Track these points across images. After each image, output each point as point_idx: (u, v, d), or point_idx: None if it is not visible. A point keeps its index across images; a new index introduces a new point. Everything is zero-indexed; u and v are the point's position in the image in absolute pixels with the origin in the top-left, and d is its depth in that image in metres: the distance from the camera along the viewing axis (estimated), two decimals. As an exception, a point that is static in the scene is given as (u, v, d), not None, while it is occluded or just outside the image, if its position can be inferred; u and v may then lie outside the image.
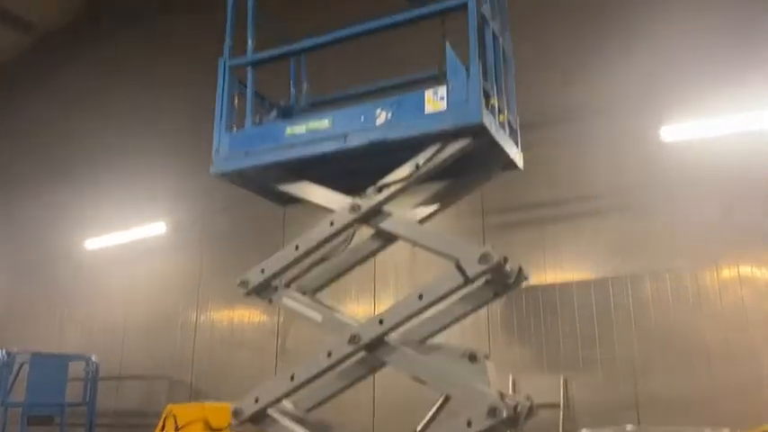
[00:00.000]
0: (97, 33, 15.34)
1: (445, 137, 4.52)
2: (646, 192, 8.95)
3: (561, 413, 8.55)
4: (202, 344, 12.19)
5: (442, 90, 4.52)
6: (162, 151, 13.58)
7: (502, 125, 4.83)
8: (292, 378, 4.77)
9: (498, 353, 9.13)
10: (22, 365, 10.93)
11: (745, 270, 8.30)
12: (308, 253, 5.01)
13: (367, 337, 4.60)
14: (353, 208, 4.77)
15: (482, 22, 4.77)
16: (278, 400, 4.89)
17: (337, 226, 4.87)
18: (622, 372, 8.58)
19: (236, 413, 4.86)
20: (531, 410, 4.65)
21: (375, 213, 4.82)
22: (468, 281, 4.51)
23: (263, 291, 5.13)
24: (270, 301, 5.14)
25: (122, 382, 12.61)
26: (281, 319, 11.55)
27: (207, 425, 8.75)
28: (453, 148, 4.56)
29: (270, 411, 4.87)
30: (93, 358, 11.69)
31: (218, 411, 8.99)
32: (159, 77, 14.23)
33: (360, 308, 10.58)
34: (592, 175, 9.34)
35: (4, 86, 16.67)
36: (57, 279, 14.43)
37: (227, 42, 5.25)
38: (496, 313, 9.32)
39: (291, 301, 5.06)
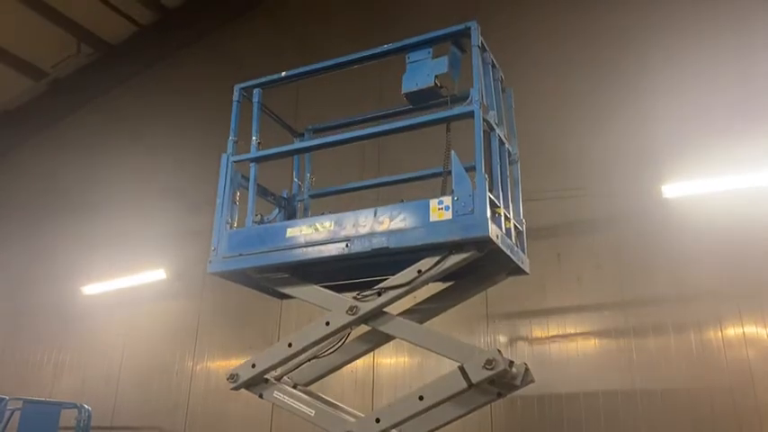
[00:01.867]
0: (103, 83, 15.40)
1: (450, 246, 4.44)
2: (648, 256, 8.88)
3: None
4: (197, 394, 11.98)
5: (448, 200, 4.44)
6: (164, 197, 13.52)
7: (508, 231, 4.75)
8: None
9: (499, 417, 8.98)
10: (13, 413, 10.74)
11: (750, 329, 8.15)
12: (301, 351, 4.92)
13: None
14: (351, 310, 4.67)
15: (488, 129, 4.72)
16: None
17: (333, 327, 4.76)
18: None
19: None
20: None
21: (374, 316, 4.72)
22: (471, 386, 4.40)
23: (254, 385, 5.04)
24: (260, 395, 5.05)
25: None
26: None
27: None
28: (458, 257, 4.47)
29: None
30: (86, 406, 11.47)
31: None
32: (163, 122, 14.21)
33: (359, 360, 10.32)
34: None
35: (10, 131, 16.69)
36: (51, 324, 14.22)
37: (231, 138, 5.19)
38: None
39: (282, 395, 4.94)
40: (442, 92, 4.91)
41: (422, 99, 4.97)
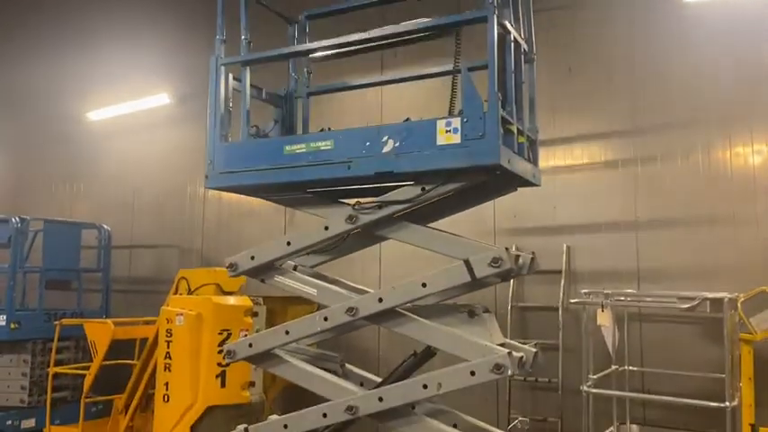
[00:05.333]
0: None
1: (457, 171, 4.18)
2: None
3: (563, 279, 8.74)
4: (211, 215, 12.23)
5: (456, 121, 4.08)
6: (167, 19, 12.77)
7: (521, 147, 4.43)
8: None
9: (504, 221, 9.15)
10: (36, 234, 11.08)
11: (759, 139, 8.07)
12: (299, 250, 4.89)
13: (365, 311, 4.54)
14: (350, 219, 4.53)
15: (503, 34, 4.21)
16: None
17: (332, 233, 4.66)
18: (625, 238, 8.62)
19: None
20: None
21: (374, 226, 4.62)
22: (475, 280, 4.37)
23: (254, 273, 5.06)
24: (262, 280, 5.06)
25: (134, 251, 12.86)
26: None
27: (219, 288, 9.02)
28: (465, 180, 4.25)
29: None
30: (105, 226, 11.78)
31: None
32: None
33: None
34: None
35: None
36: (64, 151, 14.20)
37: (218, 37, 4.67)
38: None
39: (283, 278, 4.94)
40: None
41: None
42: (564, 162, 9.09)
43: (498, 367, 4.04)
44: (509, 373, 4.07)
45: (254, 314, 8.92)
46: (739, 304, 6.98)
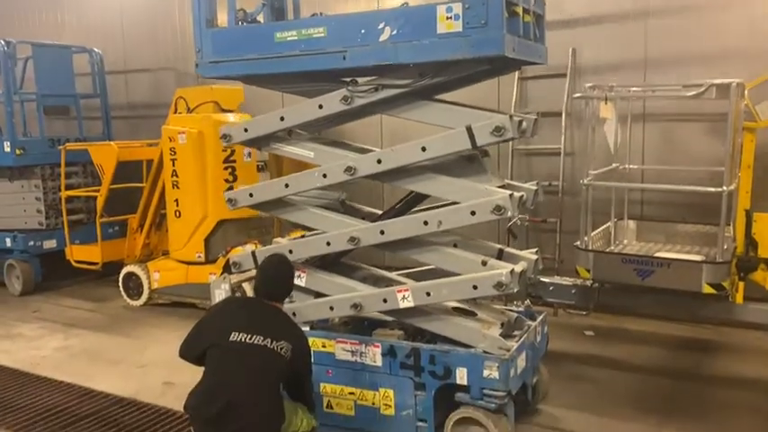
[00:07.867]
0: None
1: (458, 62, 3.96)
2: None
3: (567, 81, 8.68)
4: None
5: (458, 6, 3.80)
6: None
7: (526, 28, 4.12)
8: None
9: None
10: (26, 63, 10.68)
11: None
12: (292, 127, 4.79)
13: (363, 171, 4.61)
14: (345, 100, 4.41)
15: None
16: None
17: (326, 112, 4.56)
18: (633, 31, 8.38)
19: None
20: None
21: (370, 106, 4.50)
22: (475, 147, 4.37)
23: (248, 144, 5.10)
24: (258, 148, 5.11)
25: (130, 76, 12.28)
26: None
27: (217, 106, 9.05)
28: (466, 69, 4.06)
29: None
30: (96, 50, 11.29)
31: (227, 93, 9.13)
32: None
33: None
34: None
35: None
36: None
37: None
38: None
39: (279, 144, 4.93)
40: None
41: None
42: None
43: (498, 209, 4.14)
44: (509, 214, 4.17)
45: (255, 131, 8.90)
46: (747, 91, 6.80)
